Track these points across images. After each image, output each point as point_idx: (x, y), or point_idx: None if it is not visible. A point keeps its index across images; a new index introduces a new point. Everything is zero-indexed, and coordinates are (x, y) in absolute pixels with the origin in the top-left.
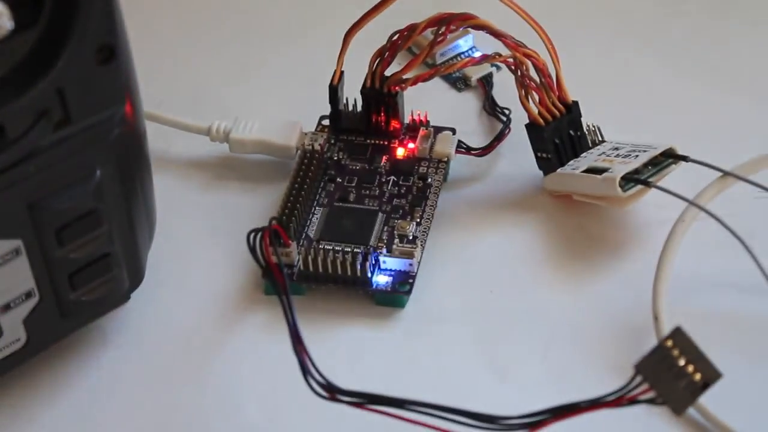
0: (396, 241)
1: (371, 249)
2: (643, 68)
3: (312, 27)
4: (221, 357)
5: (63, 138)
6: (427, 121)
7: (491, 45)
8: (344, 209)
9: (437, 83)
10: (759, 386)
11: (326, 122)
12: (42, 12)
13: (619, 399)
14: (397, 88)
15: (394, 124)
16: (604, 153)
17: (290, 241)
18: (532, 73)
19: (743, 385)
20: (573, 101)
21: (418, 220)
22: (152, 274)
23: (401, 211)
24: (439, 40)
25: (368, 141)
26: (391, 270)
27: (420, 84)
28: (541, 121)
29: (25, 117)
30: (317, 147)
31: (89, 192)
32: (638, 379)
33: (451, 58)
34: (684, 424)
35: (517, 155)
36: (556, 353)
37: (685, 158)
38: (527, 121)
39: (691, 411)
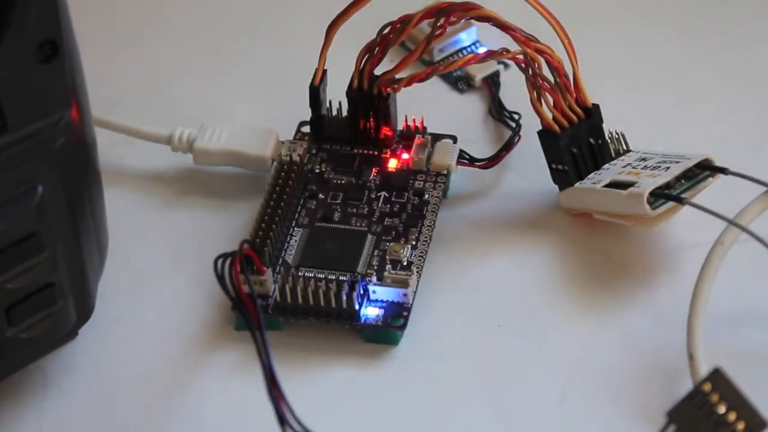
0: (388, 267)
1: (359, 277)
2: (674, 67)
3: (289, 19)
4: (184, 404)
5: None
6: (424, 128)
7: (498, 39)
8: (327, 230)
9: (435, 84)
10: None
11: (306, 129)
12: None
13: None
14: (388, 89)
15: (386, 131)
16: (629, 164)
17: (265, 268)
18: (546, 71)
19: None
20: (593, 104)
21: (414, 242)
22: (103, 307)
23: (394, 232)
24: (437, 33)
25: (355, 151)
26: (382, 301)
27: (415, 84)
28: (557, 127)
29: None
30: (296, 158)
31: (29, 211)
32: (671, 428)
33: (452, 55)
34: None
35: (529, 167)
36: (574, 398)
37: (723, 170)
38: (540, 127)
39: None
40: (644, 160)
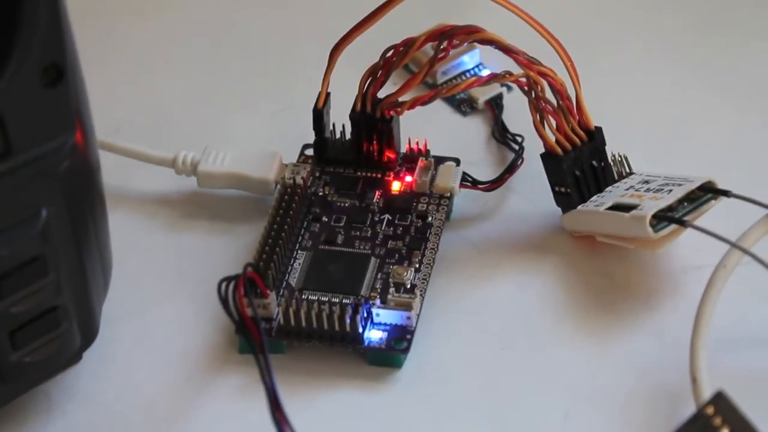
0: (391, 290)
1: (362, 300)
2: (676, 89)
3: (293, 41)
4: (188, 427)
5: (2, 172)
6: (427, 151)
7: (501, 62)
8: (331, 253)
9: (438, 106)
10: None
11: (310, 152)
12: None
13: None
14: (392, 112)
15: (389, 153)
16: (632, 187)
17: (268, 291)
18: (549, 94)
19: None
20: (596, 127)
21: (417, 265)
22: (107, 330)
23: (397, 255)
24: (440, 56)
25: (359, 174)
26: (385, 324)
27: (418, 107)
28: (559, 150)
29: None
30: (299, 181)
31: (33, 235)
32: None
33: (455, 78)
34: None
35: (532, 190)
36: (577, 421)
37: (726, 193)
38: (543, 150)
39: None
40: (647, 182)
